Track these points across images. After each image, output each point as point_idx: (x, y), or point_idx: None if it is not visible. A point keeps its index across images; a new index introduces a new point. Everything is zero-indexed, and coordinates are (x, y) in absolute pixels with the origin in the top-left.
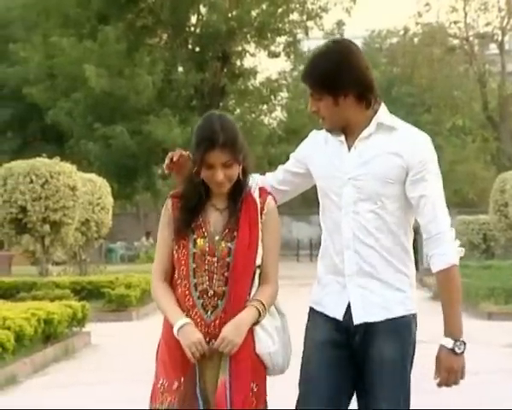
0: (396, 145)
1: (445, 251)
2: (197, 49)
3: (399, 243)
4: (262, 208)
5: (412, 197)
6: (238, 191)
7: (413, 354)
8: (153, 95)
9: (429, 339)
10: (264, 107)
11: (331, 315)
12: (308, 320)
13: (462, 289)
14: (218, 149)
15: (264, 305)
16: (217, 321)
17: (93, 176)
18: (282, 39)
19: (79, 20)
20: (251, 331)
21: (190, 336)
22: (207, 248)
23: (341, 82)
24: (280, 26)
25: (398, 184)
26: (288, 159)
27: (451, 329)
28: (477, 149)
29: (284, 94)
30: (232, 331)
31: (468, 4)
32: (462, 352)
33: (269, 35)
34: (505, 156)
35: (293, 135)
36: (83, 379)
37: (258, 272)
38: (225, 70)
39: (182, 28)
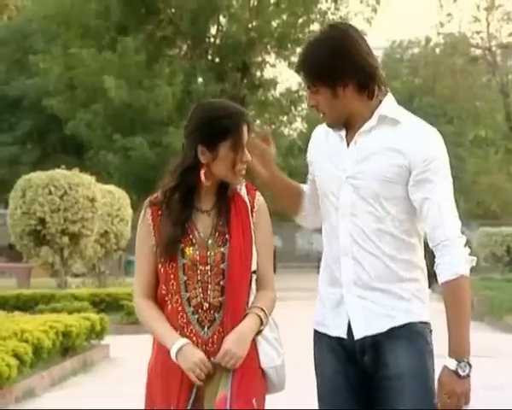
0: (398, 141)
1: (452, 260)
2: (217, 59)
3: (404, 248)
4: (252, 206)
5: (414, 200)
6: (225, 189)
7: (433, 367)
8: (172, 106)
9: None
10: (285, 118)
11: (334, 335)
12: (314, 345)
13: (486, 302)
14: (246, 125)
15: (265, 312)
16: (215, 336)
17: (112, 187)
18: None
19: (99, 32)
20: (254, 344)
21: (191, 357)
22: (198, 257)
23: (338, 71)
24: (300, 36)
25: (401, 184)
26: (307, 170)
27: (456, 348)
28: (500, 160)
29: (304, 105)
30: (235, 343)
31: (491, 14)
32: (467, 375)
33: (289, 45)
34: None
35: None
36: (101, 392)
37: (254, 277)
38: (245, 81)
39: (201, 39)
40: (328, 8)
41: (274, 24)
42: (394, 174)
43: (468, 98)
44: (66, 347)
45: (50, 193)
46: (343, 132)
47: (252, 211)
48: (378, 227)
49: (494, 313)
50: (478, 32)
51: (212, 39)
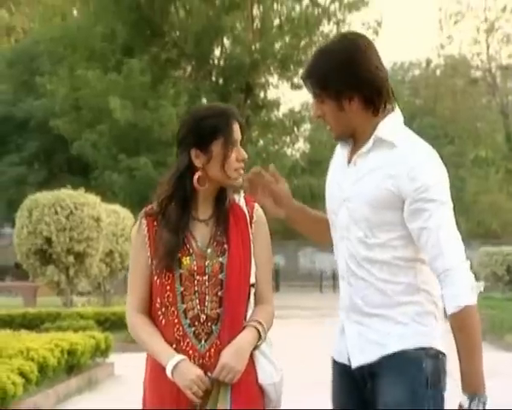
0: (392, 166)
1: (455, 291)
2: (221, 81)
3: (402, 272)
4: (251, 217)
5: (412, 230)
6: (223, 198)
7: (437, 395)
8: (177, 126)
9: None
10: (288, 138)
11: (340, 360)
12: (331, 374)
13: (487, 321)
14: (237, 121)
15: (264, 326)
16: (212, 350)
17: (117, 207)
18: None
19: (105, 54)
20: (251, 358)
21: (188, 374)
22: (195, 267)
23: (344, 83)
24: (303, 58)
25: (392, 210)
26: (310, 190)
27: (468, 384)
28: (500, 180)
29: (307, 125)
30: (233, 357)
31: (491, 36)
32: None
33: (292, 67)
34: None
35: (315, 166)
36: None
37: (252, 291)
38: (249, 102)
39: (205, 61)
40: (331, 31)
41: (277, 46)
42: (384, 200)
43: (468, 119)
44: (72, 365)
45: (56, 213)
46: (348, 149)
47: (251, 222)
48: (367, 255)
49: (495, 332)
50: (478, 54)
51: (215, 61)
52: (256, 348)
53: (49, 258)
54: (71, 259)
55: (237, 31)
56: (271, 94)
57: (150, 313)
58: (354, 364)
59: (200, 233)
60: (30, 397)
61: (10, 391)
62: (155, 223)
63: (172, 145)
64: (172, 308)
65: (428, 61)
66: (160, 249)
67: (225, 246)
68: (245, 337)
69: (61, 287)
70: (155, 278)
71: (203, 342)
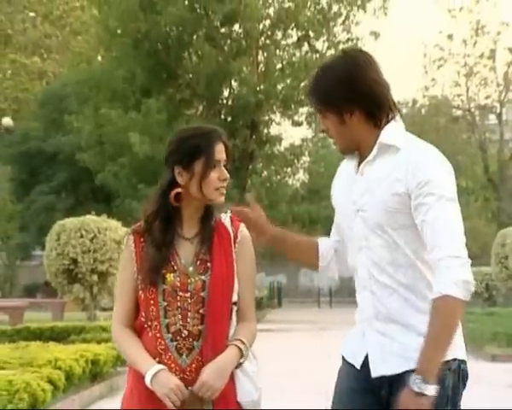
0: (398, 168)
1: (441, 279)
2: (229, 118)
3: (422, 277)
4: (235, 237)
5: (417, 225)
6: (209, 217)
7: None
8: None
9: None
10: (289, 169)
11: (351, 362)
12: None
13: (468, 334)
14: (220, 142)
15: (246, 345)
16: (193, 365)
17: None
18: (304, 110)
19: (125, 94)
20: (231, 376)
21: (167, 382)
22: (179, 284)
23: (343, 99)
24: (302, 98)
25: (405, 213)
26: (309, 216)
27: (421, 366)
28: (479, 207)
29: (306, 158)
30: (213, 375)
31: (470, 80)
32: (422, 393)
33: (293, 106)
34: (505, 214)
35: (314, 195)
36: None
37: (234, 309)
38: (254, 137)
39: (215, 100)
40: None
41: (279, 87)
42: (396, 203)
43: (450, 153)
44: (95, 373)
45: (82, 236)
46: (356, 162)
47: (235, 241)
48: (392, 258)
49: (476, 343)
50: (458, 95)
51: (224, 101)
52: (238, 366)
53: (75, 277)
54: (95, 278)
55: (244, 74)
56: (274, 130)
57: (135, 326)
58: (375, 374)
59: (185, 251)
60: (57, 402)
61: (40, 397)
62: (142, 239)
63: None
64: (155, 322)
65: (414, 101)
66: (145, 265)
67: (208, 264)
68: (227, 356)
69: (86, 303)
70: (140, 292)
71: (184, 356)
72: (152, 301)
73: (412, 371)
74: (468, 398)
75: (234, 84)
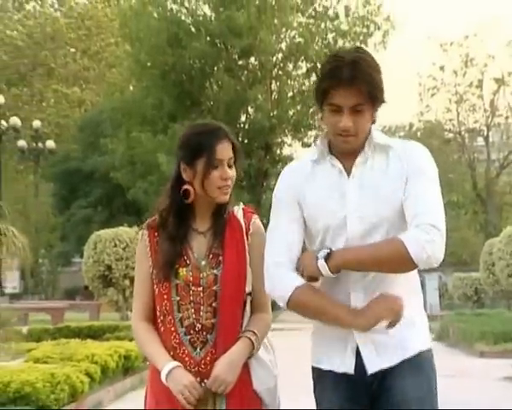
0: (394, 166)
1: (413, 235)
2: (246, 140)
3: (415, 273)
4: (247, 229)
5: (403, 199)
6: (222, 210)
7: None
8: None
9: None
10: None
11: (340, 371)
12: (316, 384)
13: (459, 333)
14: (225, 140)
15: (257, 336)
16: (207, 358)
17: None
18: (312, 133)
19: (154, 120)
20: (246, 365)
21: (181, 379)
22: (191, 278)
23: (383, 93)
24: (311, 122)
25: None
26: None
27: (335, 254)
28: (469, 220)
29: None
30: (225, 369)
31: (460, 106)
32: (319, 257)
33: (302, 130)
34: (491, 226)
35: None
36: None
37: (248, 299)
38: (268, 157)
39: (234, 125)
40: None
41: (290, 113)
42: (398, 199)
43: (442, 171)
44: (127, 367)
45: (115, 245)
46: (339, 164)
47: (247, 233)
48: None
49: (466, 341)
50: (450, 120)
51: (241, 125)
52: (250, 356)
53: (110, 281)
54: (127, 282)
55: (259, 101)
56: (286, 151)
57: (154, 319)
58: (372, 369)
59: (198, 245)
60: (94, 393)
61: (79, 388)
62: (156, 234)
63: None
64: (169, 317)
65: (411, 125)
66: (160, 259)
67: (220, 258)
68: (238, 349)
69: (119, 305)
70: (155, 287)
71: (198, 350)
72: (165, 296)
73: (407, 359)
74: (459, 390)
75: (250, 110)
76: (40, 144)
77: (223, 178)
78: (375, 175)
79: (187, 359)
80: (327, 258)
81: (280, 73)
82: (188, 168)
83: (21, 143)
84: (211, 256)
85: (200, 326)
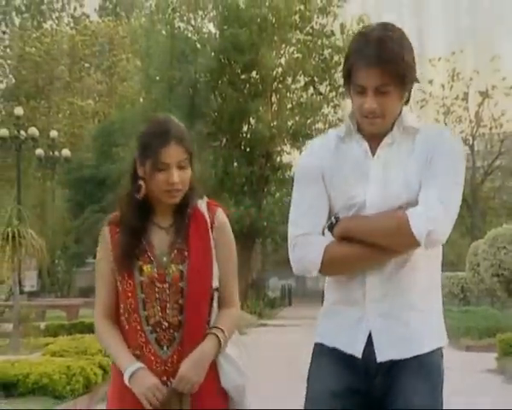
0: (421, 148)
1: (421, 213)
2: (248, 149)
3: (433, 257)
4: (212, 222)
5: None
6: (184, 206)
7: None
8: (215, 183)
9: None
10: None
11: (348, 351)
12: (313, 360)
13: (447, 328)
14: (173, 144)
15: (225, 333)
16: (174, 356)
17: None
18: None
19: None
20: (214, 363)
21: (144, 381)
22: (156, 275)
23: (414, 72)
24: (309, 132)
25: None
26: None
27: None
28: (456, 223)
29: None
30: (191, 368)
31: (447, 117)
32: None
33: (301, 139)
34: (476, 229)
35: None
36: None
37: (216, 295)
38: (268, 164)
39: (236, 134)
40: (329, 112)
41: (289, 123)
42: (420, 183)
43: None
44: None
45: None
46: (366, 145)
47: (212, 227)
48: None
49: (453, 336)
50: None
51: (244, 134)
52: (218, 353)
53: None
54: None
55: (260, 112)
56: (285, 159)
57: (117, 318)
58: (380, 358)
59: (161, 241)
60: (107, 384)
61: (93, 380)
62: (117, 230)
63: (210, 197)
64: (135, 315)
65: None
66: (119, 252)
67: (185, 253)
68: (204, 347)
69: None
70: (118, 284)
71: (165, 348)
72: (130, 294)
73: (420, 356)
74: (445, 381)
75: (252, 120)
76: (56, 153)
77: (169, 183)
78: (400, 158)
79: (153, 358)
80: (332, 226)
81: (279, 86)
82: (140, 166)
83: (39, 151)
84: (175, 252)
85: (166, 324)
